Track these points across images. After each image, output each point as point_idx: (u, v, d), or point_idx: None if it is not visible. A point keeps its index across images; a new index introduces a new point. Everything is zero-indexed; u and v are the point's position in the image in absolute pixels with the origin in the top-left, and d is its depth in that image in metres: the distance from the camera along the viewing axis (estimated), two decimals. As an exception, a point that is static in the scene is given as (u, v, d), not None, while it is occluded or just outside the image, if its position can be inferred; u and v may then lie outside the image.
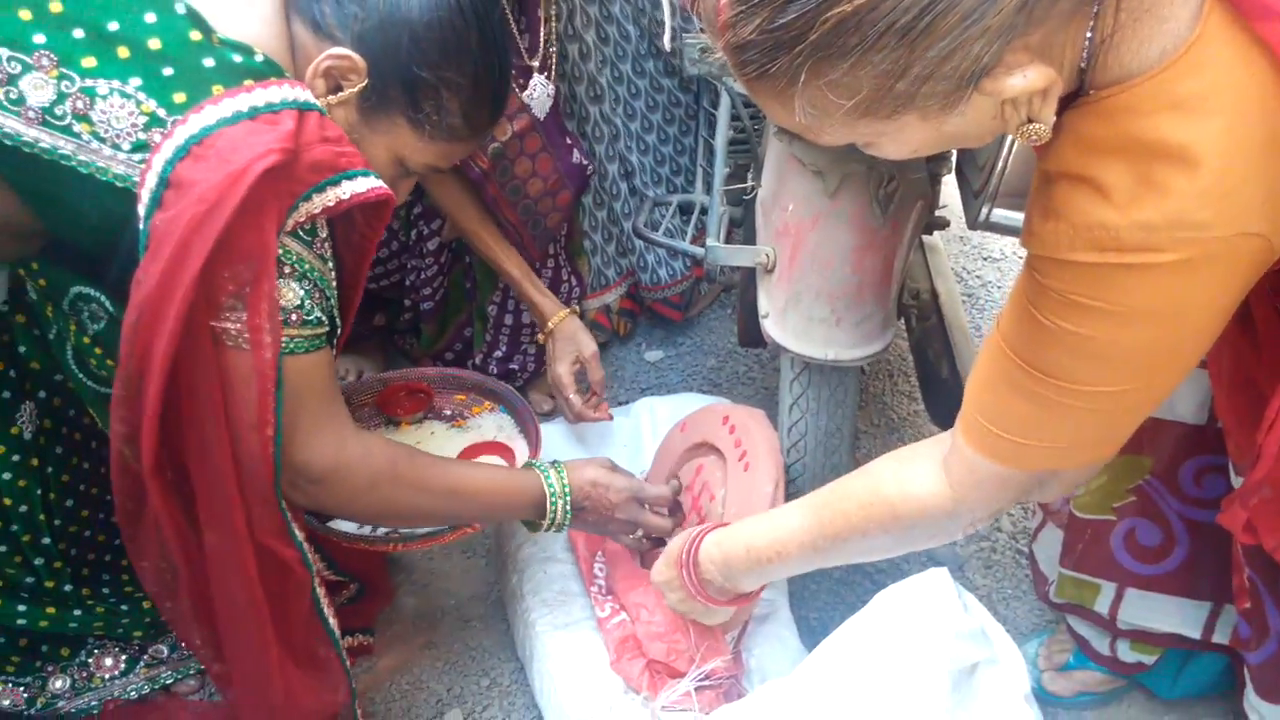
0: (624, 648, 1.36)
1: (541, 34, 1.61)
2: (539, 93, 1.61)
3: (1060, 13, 0.71)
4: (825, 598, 1.68)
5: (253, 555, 1.09)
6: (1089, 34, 0.74)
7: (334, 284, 1.13)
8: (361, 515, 1.26)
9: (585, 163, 1.79)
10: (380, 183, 1.07)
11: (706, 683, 1.30)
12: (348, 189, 1.04)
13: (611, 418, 1.71)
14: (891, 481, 1.03)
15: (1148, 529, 1.29)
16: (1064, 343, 0.82)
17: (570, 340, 1.65)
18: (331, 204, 1.04)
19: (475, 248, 1.70)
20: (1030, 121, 0.75)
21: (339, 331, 1.17)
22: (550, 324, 1.66)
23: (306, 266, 1.06)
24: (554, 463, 1.35)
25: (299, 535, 1.16)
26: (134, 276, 0.99)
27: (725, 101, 1.39)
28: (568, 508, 1.32)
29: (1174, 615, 1.32)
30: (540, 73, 1.61)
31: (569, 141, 1.76)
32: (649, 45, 1.82)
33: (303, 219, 1.03)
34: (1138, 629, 1.36)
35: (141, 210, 0.99)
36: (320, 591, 1.22)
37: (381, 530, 1.38)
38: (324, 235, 1.09)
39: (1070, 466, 0.93)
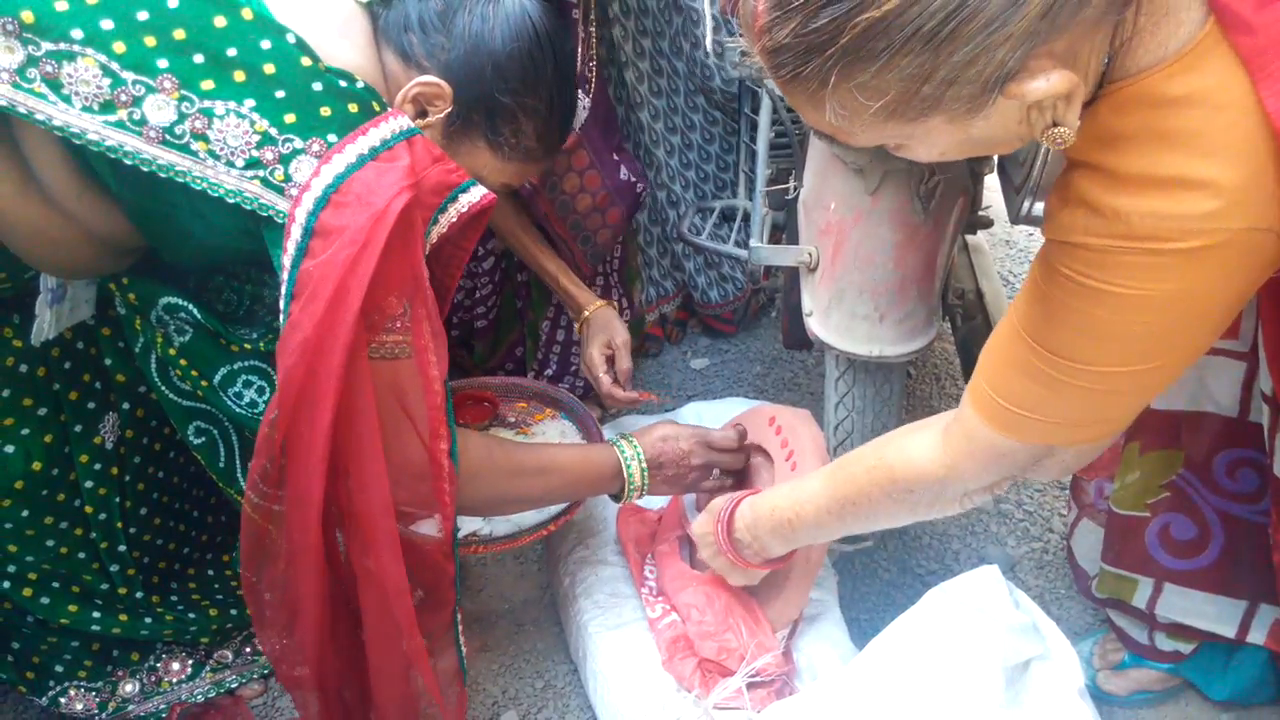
0: (675, 647, 1.37)
1: (580, 53, 1.66)
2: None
3: (1084, 21, 0.72)
4: (875, 599, 1.68)
5: (405, 576, 1.12)
6: (1111, 41, 0.76)
7: None
8: (465, 506, 1.28)
9: (634, 180, 1.83)
10: (484, 188, 1.13)
11: (758, 679, 1.31)
12: (464, 201, 1.11)
13: (641, 399, 1.70)
14: (895, 446, 1.07)
15: (1182, 524, 1.29)
16: (1073, 323, 0.84)
17: (604, 327, 1.69)
18: (454, 219, 1.11)
19: (513, 247, 1.74)
20: (1055, 125, 0.76)
21: None
22: (586, 312, 1.69)
23: None
24: (623, 434, 1.42)
25: (458, 555, 1.20)
26: (286, 323, 1.04)
27: (766, 105, 1.41)
28: (644, 467, 1.39)
29: (1210, 612, 1.32)
30: (578, 89, 1.66)
31: (617, 159, 1.80)
32: (698, 80, 1.87)
33: (435, 240, 1.09)
34: (1175, 624, 1.37)
35: (287, 261, 1.05)
36: (459, 616, 1.25)
37: (461, 534, 1.40)
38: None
39: (1068, 444, 0.95)
